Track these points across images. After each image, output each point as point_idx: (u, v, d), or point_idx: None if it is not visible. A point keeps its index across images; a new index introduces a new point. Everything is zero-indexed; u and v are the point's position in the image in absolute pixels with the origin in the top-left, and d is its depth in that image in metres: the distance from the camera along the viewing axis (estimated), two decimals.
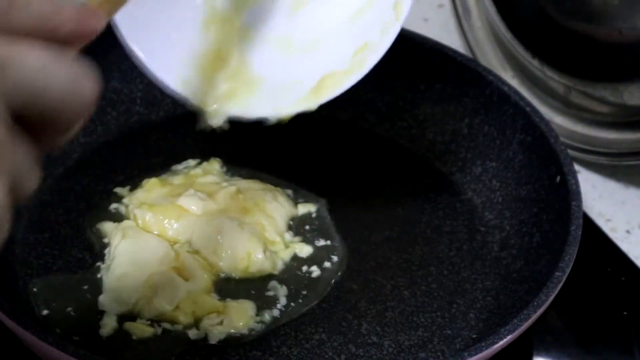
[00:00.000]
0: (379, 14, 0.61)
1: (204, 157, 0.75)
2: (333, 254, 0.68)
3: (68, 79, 0.35)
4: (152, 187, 0.70)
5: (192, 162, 0.74)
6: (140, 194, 0.70)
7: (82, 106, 0.36)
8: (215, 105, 0.59)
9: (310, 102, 0.60)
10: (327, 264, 0.68)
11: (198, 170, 0.73)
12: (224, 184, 0.72)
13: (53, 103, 0.35)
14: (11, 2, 0.35)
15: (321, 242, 0.69)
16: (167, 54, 0.58)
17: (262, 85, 0.61)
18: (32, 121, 0.35)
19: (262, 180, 0.73)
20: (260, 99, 0.60)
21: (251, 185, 0.71)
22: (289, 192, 0.73)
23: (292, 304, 0.64)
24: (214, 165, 0.74)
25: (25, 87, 0.34)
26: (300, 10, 0.63)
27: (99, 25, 0.38)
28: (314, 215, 0.71)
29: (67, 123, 0.36)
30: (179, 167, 0.74)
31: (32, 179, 0.36)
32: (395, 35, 0.60)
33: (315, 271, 0.67)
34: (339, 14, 0.62)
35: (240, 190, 0.70)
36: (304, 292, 0.65)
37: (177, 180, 0.72)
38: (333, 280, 0.67)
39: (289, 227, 0.70)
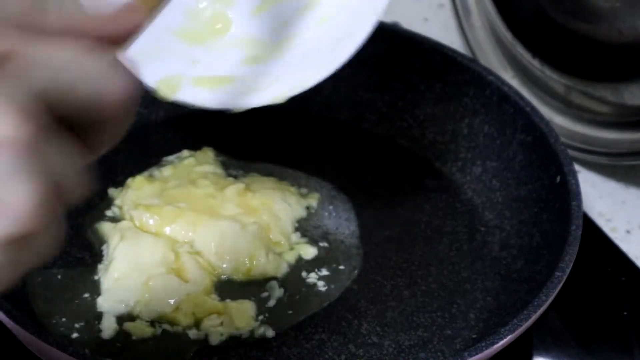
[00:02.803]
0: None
1: None
2: (339, 267, 0.68)
3: (98, 74, 0.34)
4: (140, 186, 0.70)
5: (185, 152, 0.74)
6: (131, 194, 0.69)
7: (118, 102, 0.35)
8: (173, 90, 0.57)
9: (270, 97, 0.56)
10: (330, 275, 0.67)
11: (191, 160, 0.73)
12: (229, 178, 0.71)
13: (84, 98, 0.34)
14: (44, 6, 0.35)
15: (328, 246, 0.69)
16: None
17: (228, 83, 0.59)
18: (72, 123, 0.34)
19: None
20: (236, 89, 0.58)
21: (264, 184, 0.71)
22: (304, 190, 0.73)
23: (288, 311, 0.64)
24: (208, 154, 0.74)
25: (54, 82, 0.33)
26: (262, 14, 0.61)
27: (138, 23, 0.37)
28: (322, 223, 0.71)
29: (106, 122, 0.35)
30: (171, 157, 0.74)
31: (77, 186, 0.35)
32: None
33: (316, 280, 0.66)
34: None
35: (249, 188, 0.70)
36: (299, 306, 0.65)
37: (166, 172, 0.72)
38: (331, 300, 0.66)
39: (296, 229, 0.70)
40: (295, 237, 0.69)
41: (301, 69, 0.57)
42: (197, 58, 0.57)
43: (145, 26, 0.39)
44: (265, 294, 0.65)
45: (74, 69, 0.34)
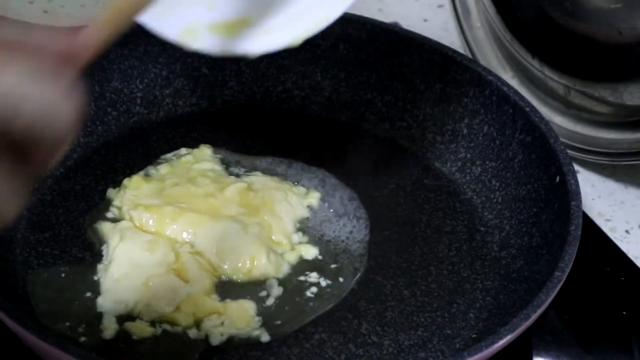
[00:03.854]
0: None
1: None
2: (341, 268, 0.68)
3: (44, 98, 0.33)
4: (137, 185, 0.70)
5: (183, 150, 0.74)
6: (129, 194, 0.69)
7: (62, 127, 0.34)
8: (199, 39, 0.56)
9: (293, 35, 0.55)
10: (331, 276, 0.67)
11: (189, 158, 0.73)
12: (231, 177, 0.71)
13: (27, 122, 0.33)
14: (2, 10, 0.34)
15: (329, 247, 0.69)
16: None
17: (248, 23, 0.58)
18: (10, 143, 0.33)
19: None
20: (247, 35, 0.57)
21: (266, 183, 0.71)
22: (304, 190, 0.73)
23: (290, 313, 0.64)
24: (205, 151, 0.74)
25: None
26: None
27: (89, 51, 0.36)
28: (323, 224, 0.71)
29: (49, 145, 0.34)
30: (168, 155, 0.74)
31: (11, 203, 0.34)
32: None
33: (317, 280, 0.66)
34: None
35: (250, 188, 0.70)
36: (300, 308, 0.64)
37: (162, 170, 0.72)
38: (332, 301, 0.65)
39: (297, 229, 0.70)
40: (297, 237, 0.69)
41: (315, 8, 0.56)
42: (212, 3, 0.57)
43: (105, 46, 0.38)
44: (264, 293, 0.65)
45: (22, 89, 0.33)
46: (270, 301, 0.64)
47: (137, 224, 0.67)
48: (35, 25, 0.35)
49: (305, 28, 0.55)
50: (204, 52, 0.55)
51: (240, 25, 0.56)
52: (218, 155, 0.75)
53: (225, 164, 0.74)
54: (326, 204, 0.72)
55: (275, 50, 0.55)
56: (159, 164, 0.73)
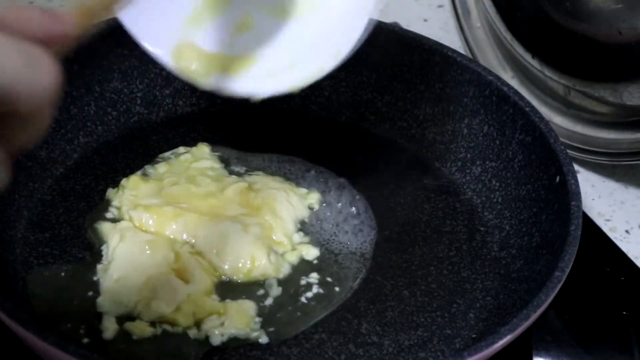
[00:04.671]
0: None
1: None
2: (342, 268, 0.68)
3: (21, 62, 0.34)
4: (135, 185, 0.70)
5: (181, 149, 0.74)
6: (128, 194, 0.69)
7: (40, 94, 0.34)
8: (208, 79, 0.57)
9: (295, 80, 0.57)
10: (332, 276, 0.67)
11: (187, 156, 0.73)
12: (232, 177, 0.71)
13: (5, 87, 0.33)
14: None
15: (330, 247, 0.69)
16: (158, 26, 0.57)
17: (256, 63, 0.59)
18: None
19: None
20: (253, 77, 0.58)
21: (267, 183, 0.71)
22: (305, 190, 0.73)
23: (292, 315, 0.64)
24: (203, 149, 0.74)
25: None
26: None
27: (68, 32, 0.37)
28: (324, 224, 0.71)
29: (28, 115, 0.34)
30: (166, 154, 0.74)
31: None
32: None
33: (318, 281, 0.66)
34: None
35: (251, 187, 0.70)
36: (301, 309, 0.64)
37: (160, 168, 0.72)
38: (333, 301, 0.65)
39: (299, 229, 0.70)
40: (298, 237, 0.69)
41: (314, 56, 0.57)
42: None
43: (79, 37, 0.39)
44: (262, 292, 0.65)
45: None
46: (270, 301, 0.64)
47: (137, 224, 0.67)
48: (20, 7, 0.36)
49: (303, 76, 0.56)
50: (211, 90, 0.56)
51: (245, 63, 0.57)
52: (217, 154, 0.75)
53: (224, 163, 0.74)
54: (326, 205, 0.72)
55: (275, 95, 0.56)
56: (157, 162, 0.73)
